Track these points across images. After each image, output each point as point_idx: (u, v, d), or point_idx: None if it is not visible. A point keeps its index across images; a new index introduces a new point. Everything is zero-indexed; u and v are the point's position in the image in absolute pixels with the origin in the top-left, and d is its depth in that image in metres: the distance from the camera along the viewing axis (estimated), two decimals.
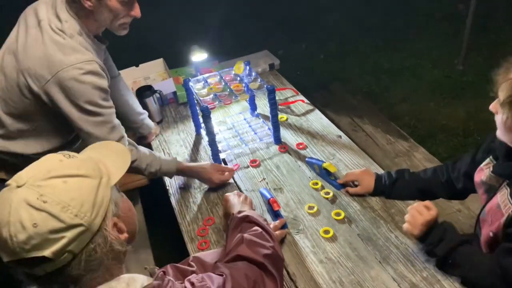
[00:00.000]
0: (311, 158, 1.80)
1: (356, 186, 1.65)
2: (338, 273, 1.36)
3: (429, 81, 3.77)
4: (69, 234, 0.73)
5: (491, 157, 1.33)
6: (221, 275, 0.94)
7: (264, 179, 1.79)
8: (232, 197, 1.46)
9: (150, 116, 2.16)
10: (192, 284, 0.88)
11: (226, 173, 1.78)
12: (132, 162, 1.59)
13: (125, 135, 1.63)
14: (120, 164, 0.88)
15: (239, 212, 1.29)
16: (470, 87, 3.54)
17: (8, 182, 0.77)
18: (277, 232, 1.44)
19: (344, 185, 1.67)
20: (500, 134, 1.22)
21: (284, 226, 1.53)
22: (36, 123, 1.58)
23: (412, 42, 4.32)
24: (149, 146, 2.12)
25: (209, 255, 1.23)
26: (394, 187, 1.58)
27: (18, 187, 0.75)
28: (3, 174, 1.62)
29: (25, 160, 1.58)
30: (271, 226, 1.45)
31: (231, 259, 1.06)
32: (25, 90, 1.48)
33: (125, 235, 0.84)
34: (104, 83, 1.51)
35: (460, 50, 3.77)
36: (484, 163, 1.36)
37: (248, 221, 1.23)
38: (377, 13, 4.84)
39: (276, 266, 1.09)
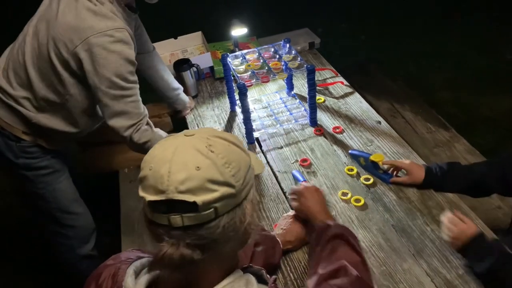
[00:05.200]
0: (356, 150, 1.73)
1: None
2: (369, 262, 1.31)
3: (473, 68, 3.60)
4: (222, 190, 0.71)
5: None
6: None
7: (297, 160, 1.75)
8: (309, 193, 1.36)
9: (186, 90, 2.15)
10: None
11: None
12: (145, 143, 1.58)
13: (147, 113, 1.60)
14: (257, 167, 0.87)
15: (333, 223, 1.19)
16: None
17: (173, 134, 0.79)
18: None
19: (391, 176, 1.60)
20: None
21: None
22: (66, 96, 1.55)
23: (458, 26, 4.13)
24: (183, 120, 2.12)
25: None
26: (445, 179, 1.50)
27: (186, 136, 0.75)
28: (42, 141, 1.65)
29: (55, 134, 1.63)
30: None
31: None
32: (54, 57, 1.47)
33: (254, 227, 0.81)
34: (132, 54, 1.49)
35: (510, 37, 3.57)
36: None
37: (344, 239, 1.12)
38: None
39: None
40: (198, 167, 0.70)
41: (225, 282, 0.76)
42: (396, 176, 1.60)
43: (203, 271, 0.76)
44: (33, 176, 1.68)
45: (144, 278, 0.78)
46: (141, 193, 0.73)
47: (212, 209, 0.70)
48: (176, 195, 0.69)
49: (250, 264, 0.86)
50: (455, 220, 1.31)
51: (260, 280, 0.82)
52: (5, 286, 2.34)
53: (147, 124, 1.60)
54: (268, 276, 0.84)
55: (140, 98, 1.57)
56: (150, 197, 0.71)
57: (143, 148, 1.58)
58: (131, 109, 1.53)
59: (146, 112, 1.60)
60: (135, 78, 1.53)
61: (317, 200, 1.34)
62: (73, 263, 1.88)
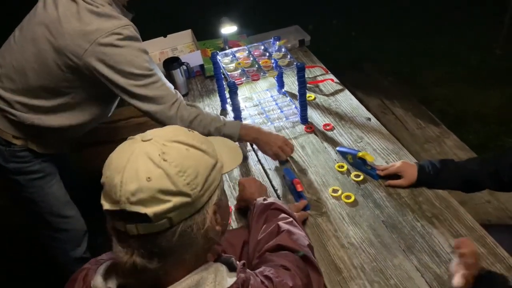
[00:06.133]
0: (343, 147, 1.74)
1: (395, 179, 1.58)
2: (360, 259, 1.34)
3: (464, 65, 3.63)
4: (175, 200, 0.71)
5: None
6: (288, 269, 0.90)
7: (287, 161, 1.76)
8: (250, 183, 1.43)
9: (176, 89, 2.12)
10: (269, 279, 0.84)
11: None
12: (195, 118, 1.53)
13: (181, 96, 1.57)
14: (232, 160, 0.87)
15: (264, 199, 1.26)
16: (508, 73, 3.39)
17: (132, 136, 0.77)
18: (298, 214, 1.42)
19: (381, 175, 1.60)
20: None
21: (306, 208, 1.50)
22: (71, 96, 1.53)
23: (449, 23, 4.15)
24: None
25: (235, 234, 1.22)
26: (438, 177, 1.51)
27: (143, 141, 0.74)
28: (34, 145, 1.63)
29: (55, 131, 1.62)
30: (293, 207, 1.44)
31: (272, 248, 1.01)
32: (63, 66, 1.44)
33: (219, 227, 0.81)
34: (143, 45, 1.48)
35: (499, 34, 3.60)
36: None
37: (274, 208, 1.20)
38: None
39: (314, 256, 1.06)
40: (149, 178, 0.69)
41: (191, 274, 0.77)
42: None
43: (163, 275, 0.76)
44: (24, 181, 1.66)
45: (116, 278, 0.78)
46: (101, 200, 0.73)
47: (165, 219, 0.71)
48: (128, 206, 0.69)
49: (220, 254, 0.87)
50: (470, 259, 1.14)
51: (231, 268, 0.84)
52: (4, 286, 2.32)
53: (188, 104, 1.57)
54: (237, 262, 0.85)
55: (167, 82, 1.54)
56: (106, 206, 0.72)
57: (192, 125, 1.53)
58: (164, 92, 1.50)
59: (180, 94, 1.57)
60: (154, 65, 1.51)
61: (255, 188, 1.39)
62: (66, 266, 1.87)
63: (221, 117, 1.61)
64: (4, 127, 1.56)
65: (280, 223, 1.10)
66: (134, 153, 0.72)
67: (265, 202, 1.23)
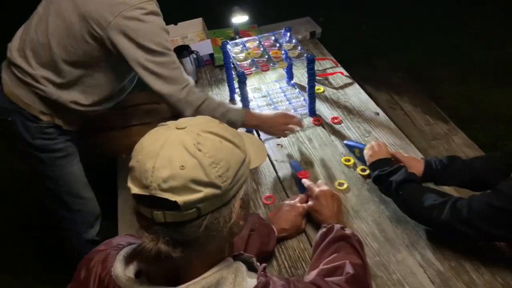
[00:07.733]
0: (350, 140, 1.74)
1: None
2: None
3: (477, 63, 3.59)
4: (206, 191, 0.70)
5: None
6: None
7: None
8: (332, 202, 1.36)
9: None
10: (288, 282, 0.83)
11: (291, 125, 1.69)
12: (203, 102, 1.57)
13: (193, 81, 1.61)
14: (258, 156, 0.85)
15: (343, 227, 1.20)
16: None
17: (164, 123, 0.77)
18: (304, 205, 1.42)
19: None
20: None
21: None
22: (93, 70, 1.56)
23: (464, 20, 4.10)
24: None
25: None
26: (445, 173, 1.50)
27: (178, 128, 0.74)
28: (60, 120, 1.66)
29: (73, 111, 1.64)
30: (298, 199, 1.44)
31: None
32: (87, 35, 1.47)
33: (243, 222, 0.80)
34: (164, 23, 1.52)
35: None
36: None
37: (349, 243, 1.13)
38: None
39: None
40: (182, 166, 0.69)
41: (212, 270, 0.77)
42: None
43: (185, 265, 0.76)
44: (48, 159, 1.70)
45: (134, 264, 0.78)
46: (129, 183, 0.73)
47: (194, 209, 0.70)
48: (159, 192, 0.69)
49: (241, 252, 0.86)
50: (376, 145, 1.54)
51: (251, 267, 0.83)
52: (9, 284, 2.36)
53: (197, 88, 1.61)
54: (258, 264, 0.84)
55: (181, 66, 1.59)
56: (134, 190, 0.71)
57: (200, 110, 1.56)
58: (177, 75, 1.54)
59: (191, 80, 1.61)
60: (172, 45, 1.55)
61: (330, 207, 1.34)
62: (77, 247, 1.90)
63: (226, 102, 1.64)
64: (32, 102, 1.60)
65: (348, 264, 1.03)
66: (169, 140, 0.71)
67: (341, 233, 1.17)
